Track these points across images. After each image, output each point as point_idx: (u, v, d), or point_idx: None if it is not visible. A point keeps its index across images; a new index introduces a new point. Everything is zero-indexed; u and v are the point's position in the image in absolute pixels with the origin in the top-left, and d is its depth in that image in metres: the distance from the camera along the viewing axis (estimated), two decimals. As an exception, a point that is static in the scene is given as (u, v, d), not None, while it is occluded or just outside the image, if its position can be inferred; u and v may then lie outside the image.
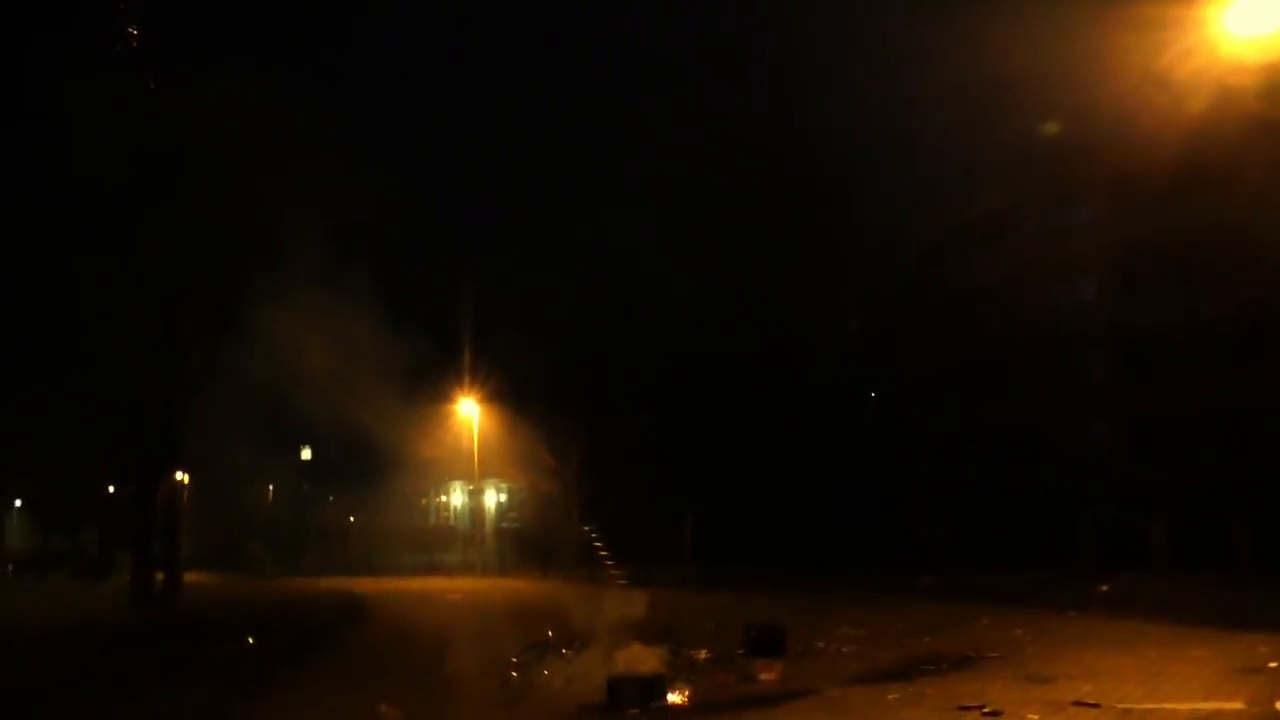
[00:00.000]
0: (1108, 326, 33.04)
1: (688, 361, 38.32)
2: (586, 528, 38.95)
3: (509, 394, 41.60)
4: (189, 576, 34.25)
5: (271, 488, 63.51)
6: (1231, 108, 24.60)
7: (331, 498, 62.52)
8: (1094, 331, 33.60)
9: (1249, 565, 21.73)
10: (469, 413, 42.24)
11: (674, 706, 10.83)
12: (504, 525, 54.79)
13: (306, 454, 62.66)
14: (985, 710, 9.17)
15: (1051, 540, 27.32)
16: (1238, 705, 8.65)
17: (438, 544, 50.39)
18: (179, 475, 35.69)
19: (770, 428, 35.84)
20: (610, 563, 34.59)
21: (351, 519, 59.56)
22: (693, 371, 38.37)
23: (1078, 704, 9.19)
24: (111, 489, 47.38)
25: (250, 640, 17.83)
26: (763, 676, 12.46)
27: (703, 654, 14.27)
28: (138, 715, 10.74)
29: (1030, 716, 8.85)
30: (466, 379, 41.54)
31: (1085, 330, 33.82)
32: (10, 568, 40.64)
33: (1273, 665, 10.20)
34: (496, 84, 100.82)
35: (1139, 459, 31.61)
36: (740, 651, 13.98)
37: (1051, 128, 32.70)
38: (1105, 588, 20.04)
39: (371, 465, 51.39)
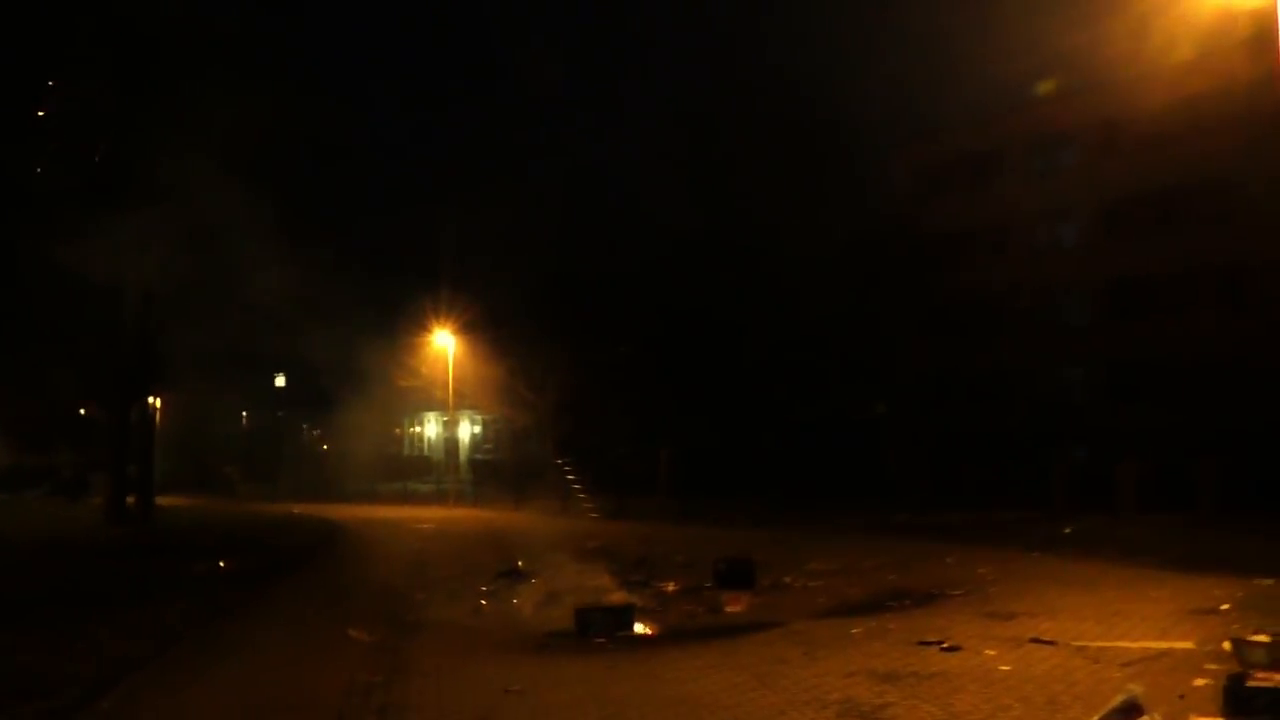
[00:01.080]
0: (1088, 271, 33.24)
1: (669, 295, 38.30)
2: (561, 460, 39.18)
3: (486, 325, 41.54)
4: (163, 499, 34.33)
5: (245, 413, 63.53)
6: (1219, 53, 24.55)
7: (305, 425, 62.61)
8: (1075, 275, 33.80)
9: (1214, 510, 22.12)
10: (445, 343, 42.11)
11: (641, 636, 11.02)
12: (478, 457, 55.09)
13: (281, 380, 62.61)
14: (944, 645, 9.39)
15: (1024, 482, 27.72)
16: (1188, 644, 8.88)
17: (412, 474, 50.62)
18: (153, 398, 35.61)
19: (750, 364, 36.01)
20: (584, 495, 34.88)
21: (325, 446, 59.70)
22: (674, 306, 38.37)
23: (1035, 641, 9.42)
24: (83, 411, 47.27)
25: (221, 563, 17.97)
26: (730, 609, 12.68)
27: (672, 586, 14.50)
28: (113, 631, 10.84)
29: (988, 652, 9.07)
30: (443, 309, 41.36)
31: (1066, 274, 34.02)
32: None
33: (1225, 607, 10.45)
34: (485, 5, 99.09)
35: (1113, 404, 32.00)
36: (709, 584, 14.21)
37: (1049, 83, 32.62)
38: (1072, 529, 20.39)
39: (346, 393, 51.45)
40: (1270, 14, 11.18)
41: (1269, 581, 11.89)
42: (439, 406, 48.86)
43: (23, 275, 27.24)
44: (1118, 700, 5.95)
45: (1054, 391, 34.27)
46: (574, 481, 36.63)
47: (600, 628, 10.93)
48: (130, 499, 30.52)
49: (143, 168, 27.75)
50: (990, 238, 36.18)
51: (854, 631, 10.54)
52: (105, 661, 9.47)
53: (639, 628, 11.26)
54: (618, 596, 12.05)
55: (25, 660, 9.36)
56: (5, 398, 44.08)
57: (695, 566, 16.04)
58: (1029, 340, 34.12)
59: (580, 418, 41.01)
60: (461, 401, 45.69)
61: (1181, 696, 7.11)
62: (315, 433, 62.04)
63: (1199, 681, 7.52)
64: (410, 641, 10.76)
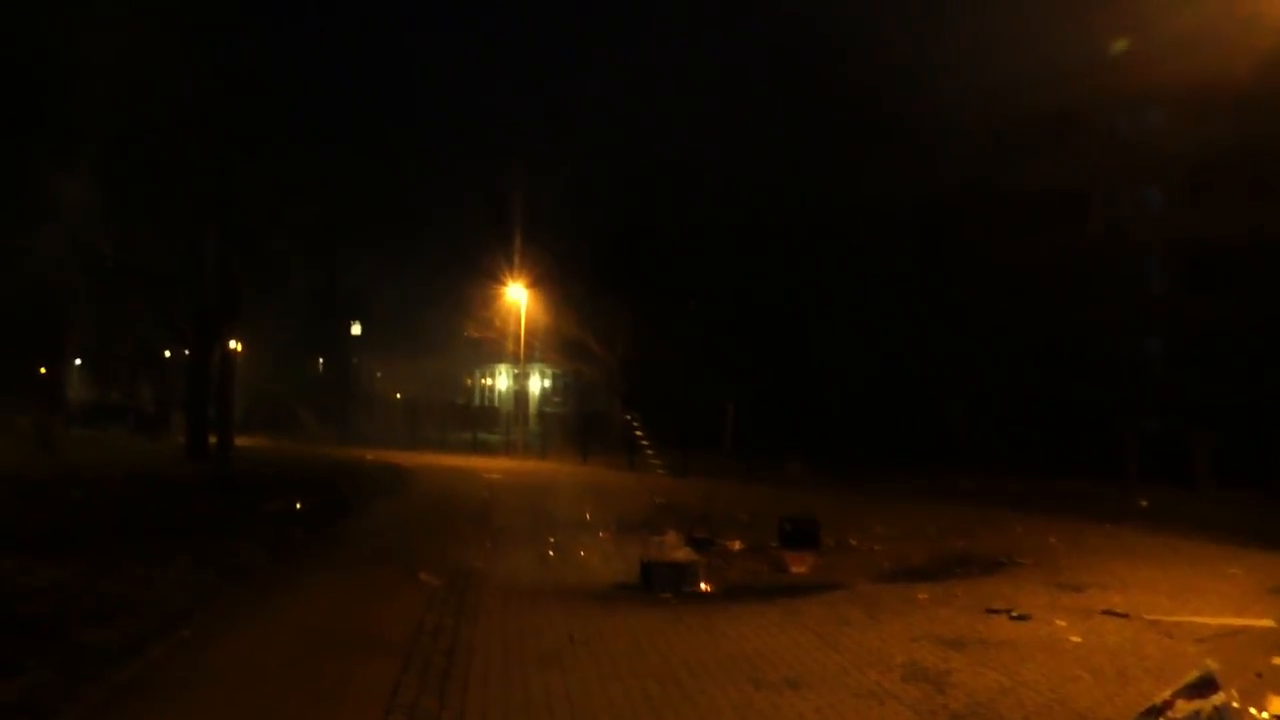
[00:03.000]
0: (1170, 237, 32.25)
1: (737, 252, 38.02)
2: (628, 415, 39.30)
3: (557, 278, 41.68)
4: (240, 439, 35.15)
5: (321, 359, 64.65)
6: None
7: (379, 373, 63.55)
8: (1156, 241, 32.83)
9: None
10: (517, 296, 42.27)
11: (705, 592, 11.02)
12: (547, 410, 55.51)
13: (357, 329, 63.57)
14: (1013, 614, 9.26)
15: (1095, 452, 27.20)
16: (1267, 623, 8.66)
17: (481, 424, 51.14)
18: (234, 341, 36.38)
19: (817, 322, 35.67)
20: (650, 450, 34.96)
21: (398, 395, 60.58)
22: (742, 262, 38.09)
23: (1107, 613, 9.25)
24: (168, 352, 48.52)
25: (297, 502, 18.34)
26: (794, 568, 12.63)
27: (736, 544, 14.47)
28: (192, 563, 11.14)
29: (1058, 623, 8.92)
30: (516, 262, 41.45)
31: (1147, 240, 33.05)
32: (67, 422, 41.99)
33: (1307, 587, 10.18)
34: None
35: (1191, 374, 31.16)
36: (774, 543, 14.15)
37: (1123, 42, 31.49)
38: (1145, 501, 19.99)
39: (420, 343, 52.22)
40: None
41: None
42: (510, 359, 49.20)
43: (110, 215, 27.85)
44: (1193, 676, 5.79)
45: (1129, 360, 33.45)
46: (640, 436, 36.74)
47: (665, 583, 10.95)
48: (210, 437, 31.31)
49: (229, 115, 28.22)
50: (1069, 201, 35.22)
51: (919, 596, 10.44)
52: (184, 592, 9.73)
53: (703, 584, 11.27)
54: (682, 553, 12.04)
55: (108, 587, 9.64)
56: (91, 335, 45.47)
57: (759, 525, 15.99)
58: (1105, 307, 33.27)
59: (647, 372, 41.06)
60: (532, 354, 45.99)
61: (1259, 675, 6.93)
62: (389, 381, 62.95)
63: (1278, 660, 7.32)
64: (477, 587, 10.88)
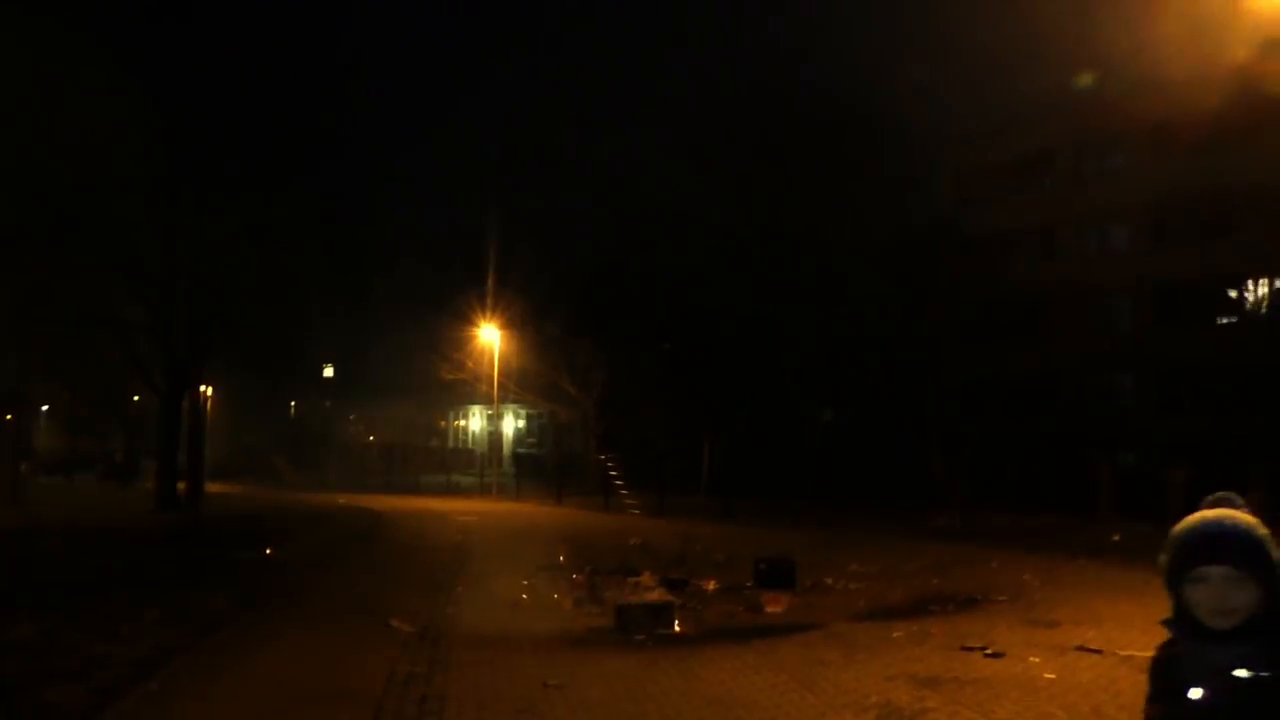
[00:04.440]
0: (1138, 275, 32.67)
1: (711, 293, 38.17)
2: (603, 456, 39.20)
3: (531, 320, 41.71)
4: (212, 486, 34.85)
5: (293, 403, 64.33)
6: (1273, 53, 23.96)
7: (352, 415, 63.24)
8: (1124, 279, 33.24)
9: (1267, 520, 21.63)
10: (490, 337, 42.24)
11: (680, 634, 10.96)
12: (521, 451, 55.33)
13: (329, 371, 63.32)
14: (988, 651, 9.26)
15: (1069, 488, 27.28)
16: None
17: (455, 466, 50.95)
18: (204, 387, 36.13)
19: (791, 364, 35.77)
20: (625, 491, 34.87)
21: (371, 438, 60.28)
22: (716, 303, 38.22)
23: (1081, 649, 9.26)
24: (136, 398, 48.09)
25: (268, 550, 18.15)
26: (770, 609, 12.59)
27: (712, 584, 14.42)
28: (160, 615, 10.98)
29: (1032, 659, 8.92)
30: (489, 303, 41.44)
31: (1115, 277, 33.45)
32: (35, 471, 41.39)
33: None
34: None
35: (1161, 409, 31.45)
36: (749, 584, 14.12)
37: (1088, 76, 32.12)
38: (1119, 536, 20.06)
39: (392, 386, 52.07)
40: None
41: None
42: (483, 400, 49.11)
43: (79, 264, 27.71)
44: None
45: (1100, 396, 33.73)
46: (616, 477, 36.64)
47: (640, 625, 10.88)
48: (180, 485, 30.98)
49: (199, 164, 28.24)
50: (1037, 239, 35.67)
51: (895, 635, 10.42)
52: (152, 646, 9.58)
53: (678, 626, 11.21)
54: (657, 594, 11.99)
55: (75, 643, 9.48)
56: (61, 383, 45.03)
57: (735, 565, 15.96)
58: (1076, 344, 33.61)
59: (623, 413, 41.03)
60: (505, 396, 45.91)
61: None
62: (362, 424, 62.65)
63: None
64: (450, 634, 10.78)
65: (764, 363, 36.50)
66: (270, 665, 9.22)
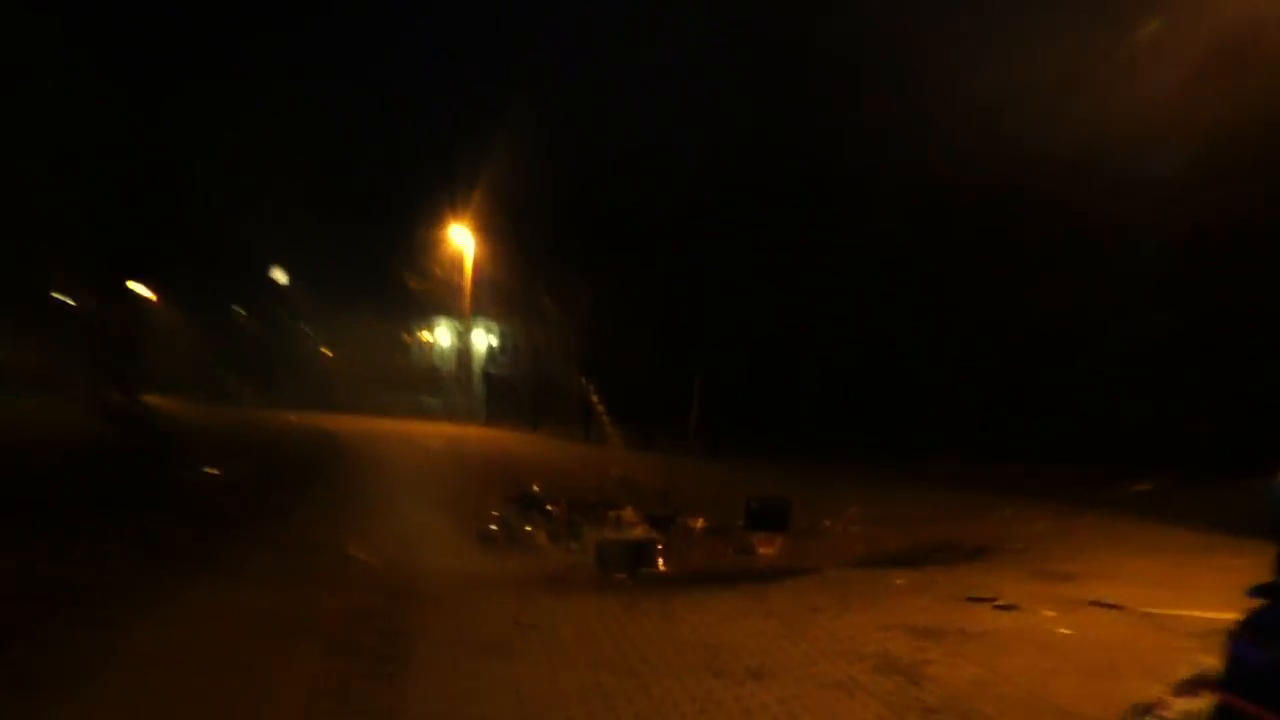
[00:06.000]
0: (1174, 212, 32.53)
1: (710, 206, 37.88)
2: (585, 381, 39.19)
3: (511, 226, 41.08)
4: (158, 401, 34.75)
5: (242, 311, 63.88)
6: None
7: (307, 326, 62.86)
8: (1158, 217, 33.08)
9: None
10: (462, 243, 41.31)
11: (664, 574, 11.10)
12: (493, 371, 55.20)
13: (282, 277, 62.69)
14: (997, 603, 9.39)
15: (1088, 436, 27.49)
16: (1267, 618, 8.84)
17: (420, 385, 50.81)
18: (149, 292, 35.89)
19: (795, 293, 35.70)
20: (608, 421, 34.96)
21: (328, 351, 60.06)
22: (715, 220, 37.96)
23: (1096, 604, 9.40)
24: (72, 300, 47.71)
25: (215, 471, 18.21)
26: (761, 551, 12.75)
27: (699, 523, 14.57)
28: (111, 542, 11.02)
29: (1045, 613, 9.07)
30: (463, 204, 40.39)
31: (1148, 215, 33.29)
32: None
33: (1310, 580, 10.36)
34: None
35: (1189, 357, 31.56)
36: (740, 524, 14.25)
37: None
38: (1139, 488, 20.30)
39: (353, 294, 51.56)
40: None
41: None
42: (453, 313, 48.74)
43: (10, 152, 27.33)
44: (1189, 673, 5.93)
45: (1125, 342, 33.80)
46: (599, 405, 36.68)
47: (620, 564, 11.03)
48: (119, 398, 30.90)
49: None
50: (1065, 168, 35.38)
51: (897, 582, 10.56)
52: (99, 569, 9.64)
53: (662, 565, 11.35)
54: (640, 531, 12.13)
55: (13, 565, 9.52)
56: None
57: (725, 504, 16.06)
58: (1099, 285, 33.55)
59: (609, 337, 40.88)
60: (478, 309, 45.52)
61: (1256, 673, 7.08)
62: (319, 337, 62.36)
63: (1276, 658, 7.48)
64: (415, 566, 10.89)
65: (764, 291, 36.38)
66: (224, 597, 9.30)
